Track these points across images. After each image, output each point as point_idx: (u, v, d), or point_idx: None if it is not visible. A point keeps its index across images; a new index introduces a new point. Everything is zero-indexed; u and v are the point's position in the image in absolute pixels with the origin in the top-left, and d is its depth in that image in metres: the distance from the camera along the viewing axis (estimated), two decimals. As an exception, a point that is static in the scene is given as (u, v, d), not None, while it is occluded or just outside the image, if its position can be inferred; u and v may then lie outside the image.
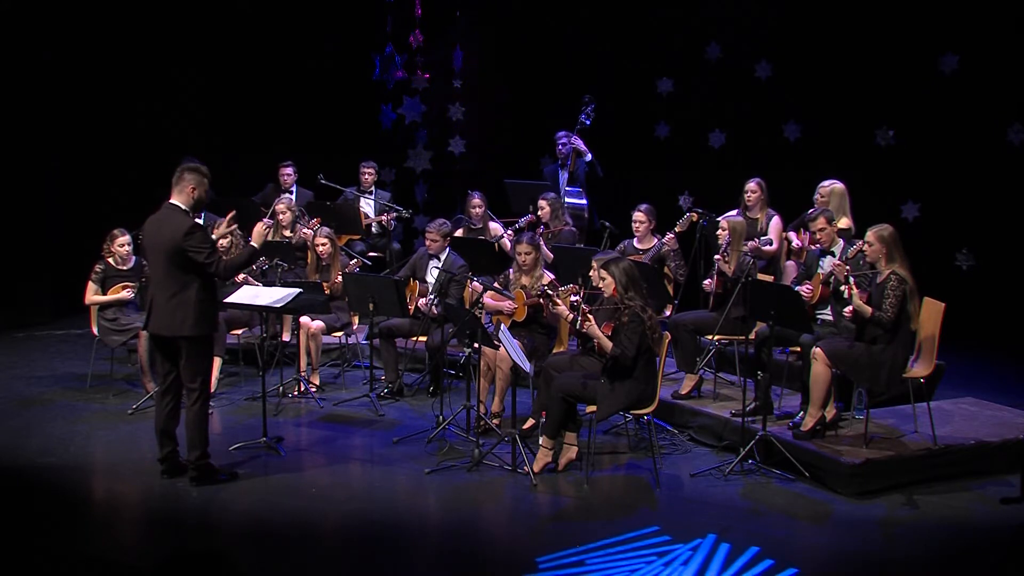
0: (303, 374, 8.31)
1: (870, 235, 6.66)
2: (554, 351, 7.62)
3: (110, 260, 8.16)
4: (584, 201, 9.95)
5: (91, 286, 8.16)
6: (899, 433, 6.96)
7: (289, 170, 10.48)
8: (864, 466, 6.44)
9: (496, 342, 6.88)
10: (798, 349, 7.24)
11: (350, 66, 12.18)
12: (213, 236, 6.55)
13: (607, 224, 9.22)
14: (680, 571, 5.42)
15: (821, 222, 7.28)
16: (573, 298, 6.80)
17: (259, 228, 6.56)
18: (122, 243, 8.14)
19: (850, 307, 6.70)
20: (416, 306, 8.19)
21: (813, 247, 7.63)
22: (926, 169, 10.20)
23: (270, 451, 7.03)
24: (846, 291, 6.71)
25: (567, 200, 9.75)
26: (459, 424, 7.38)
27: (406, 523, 6.08)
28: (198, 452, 6.40)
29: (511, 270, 7.87)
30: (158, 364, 6.49)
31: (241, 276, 8.10)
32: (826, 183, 8.19)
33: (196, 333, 6.26)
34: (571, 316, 6.78)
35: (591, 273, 7.07)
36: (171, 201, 6.32)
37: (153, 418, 6.54)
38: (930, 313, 6.93)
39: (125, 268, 8.18)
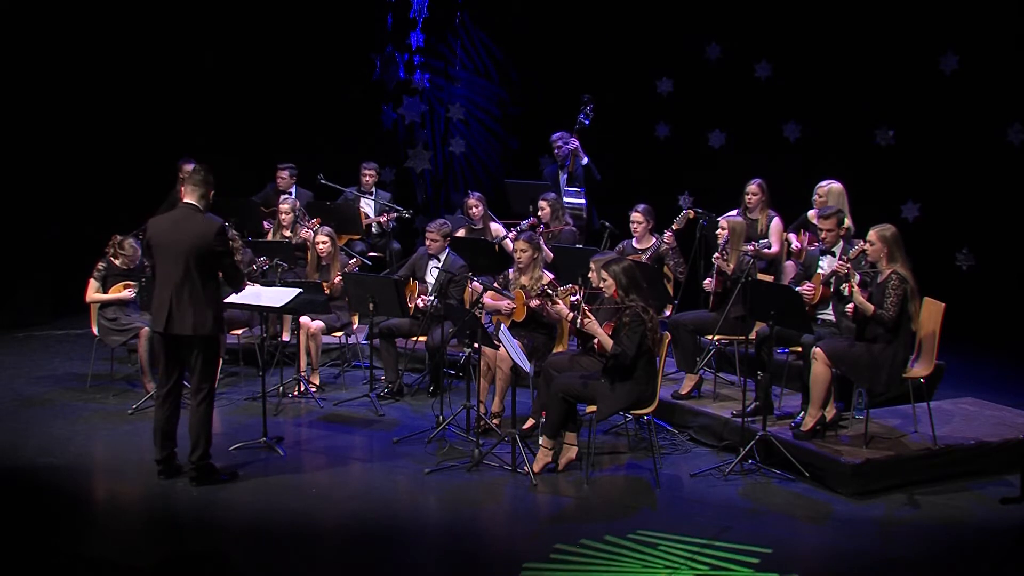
0: (303, 374, 8.31)
1: (872, 235, 6.66)
2: (554, 351, 7.62)
3: (116, 261, 8.15)
4: (584, 201, 9.93)
5: (92, 283, 8.16)
6: (899, 433, 6.96)
7: (286, 173, 10.46)
8: (864, 466, 6.44)
9: (496, 342, 6.88)
10: (798, 349, 7.24)
11: (350, 66, 12.18)
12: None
13: (607, 224, 9.22)
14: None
15: (832, 222, 7.24)
16: (573, 297, 6.80)
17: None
18: (129, 245, 8.12)
19: (851, 304, 6.69)
20: (415, 305, 8.18)
21: (812, 246, 7.62)
22: (926, 169, 10.20)
23: (270, 451, 7.03)
24: (846, 288, 6.70)
25: (567, 200, 9.74)
26: (459, 424, 7.38)
27: (406, 523, 6.08)
28: (200, 452, 6.40)
29: (511, 270, 7.88)
30: (161, 365, 6.45)
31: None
32: (824, 183, 8.20)
33: (216, 332, 6.33)
34: (571, 316, 6.78)
35: (590, 274, 7.07)
36: (189, 201, 6.31)
37: (153, 418, 6.54)
38: (930, 313, 6.93)
39: (127, 267, 8.17)
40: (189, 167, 9.82)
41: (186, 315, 6.23)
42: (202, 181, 6.33)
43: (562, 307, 6.90)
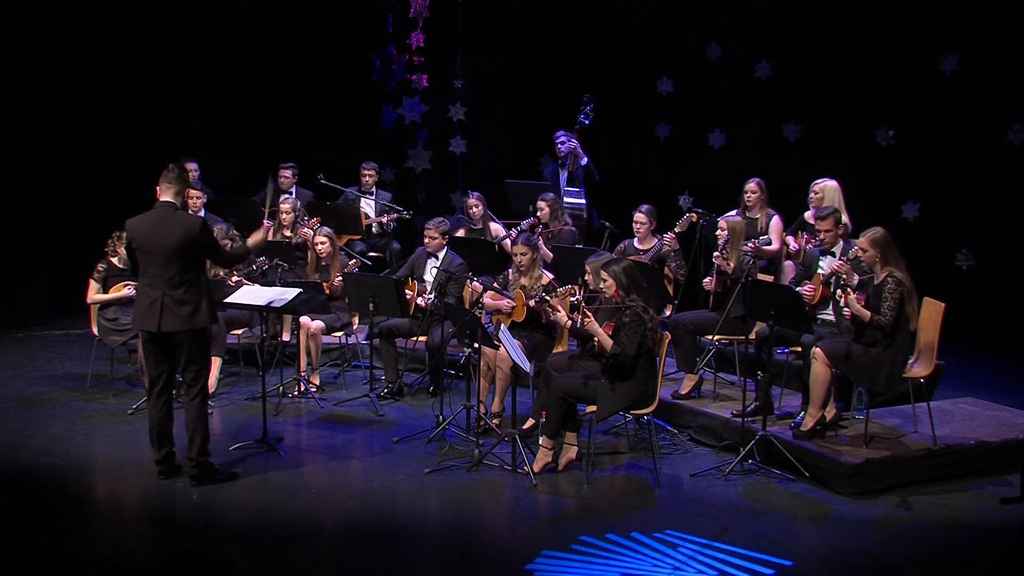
0: (303, 374, 8.31)
1: (863, 241, 6.62)
2: (554, 351, 7.62)
3: (113, 260, 8.16)
4: (583, 201, 9.94)
5: (93, 285, 8.16)
6: (899, 433, 6.96)
7: (288, 172, 10.48)
8: (864, 466, 6.44)
9: (496, 342, 6.88)
10: (798, 349, 7.24)
11: (350, 66, 12.18)
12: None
13: (607, 224, 9.22)
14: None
15: (829, 223, 7.23)
16: (573, 298, 6.80)
17: (259, 235, 6.84)
18: None
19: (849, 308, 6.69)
20: (415, 304, 8.18)
21: (811, 245, 7.61)
22: (926, 169, 10.21)
23: (270, 451, 7.03)
24: (842, 300, 6.68)
25: (566, 200, 9.75)
26: (459, 424, 7.38)
27: (406, 523, 6.08)
28: (199, 447, 6.40)
29: (510, 270, 7.88)
30: (152, 365, 6.46)
31: (236, 278, 8.11)
32: (819, 181, 8.22)
33: (206, 324, 6.35)
34: (569, 323, 6.79)
35: (586, 276, 7.06)
36: (167, 200, 6.33)
37: (147, 419, 6.53)
38: (930, 313, 6.93)
39: (127, 267, 8.18)
40: (191, 166, 9.86)
41: (181, 311, 6.24)
42: (177, 179, 6.37)
43: (562, 315, 6.90)
